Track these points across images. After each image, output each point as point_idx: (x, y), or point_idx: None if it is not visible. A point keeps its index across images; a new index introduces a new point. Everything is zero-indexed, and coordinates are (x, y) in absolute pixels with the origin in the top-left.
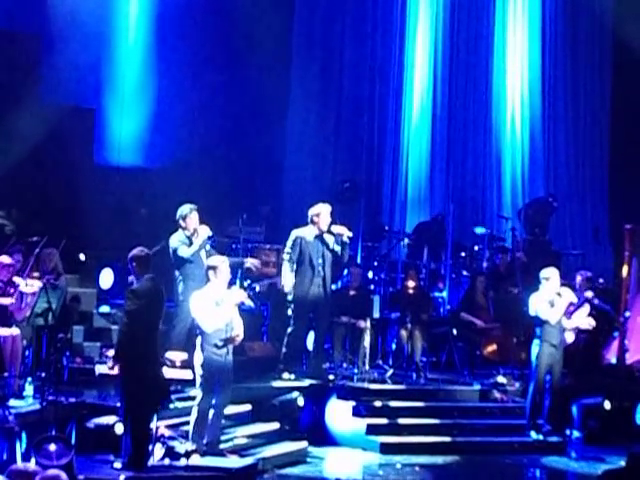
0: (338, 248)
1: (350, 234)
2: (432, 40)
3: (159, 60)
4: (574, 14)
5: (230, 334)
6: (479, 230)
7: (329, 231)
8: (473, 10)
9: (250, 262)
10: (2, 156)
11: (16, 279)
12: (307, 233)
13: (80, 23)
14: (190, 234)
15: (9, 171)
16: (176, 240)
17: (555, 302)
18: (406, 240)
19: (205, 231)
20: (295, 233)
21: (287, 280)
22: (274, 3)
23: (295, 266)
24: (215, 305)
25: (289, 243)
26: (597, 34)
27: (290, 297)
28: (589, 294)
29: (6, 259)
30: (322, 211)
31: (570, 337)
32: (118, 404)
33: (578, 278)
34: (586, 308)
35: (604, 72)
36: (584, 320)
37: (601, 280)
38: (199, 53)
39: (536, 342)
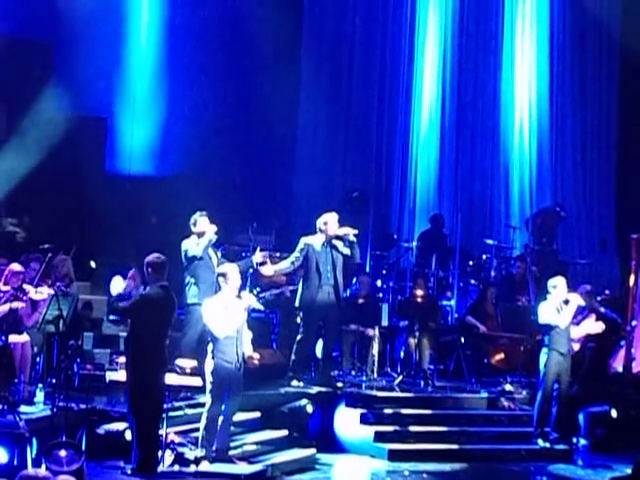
0: (348, 251)
1: (355, 231)
2: (440, 52)
3: (170, 69)
4: (582, 26)
5: (242, 348)
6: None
7: (337, 237)
8: (481, 22)
9: (259, 256)
10: (14, 164)
11: (26, 286)
12: (315, 241)
13: (92, 32)
14: (199, 235)
15: (21, 179)
16: (187, 243)
17: (562, 308)
18: (414, 243)
19: (212, 228)
20: (303, 240)
21: (269, 266)
22: (284, 17)
23: (292, 269)
24: (225, 310)
25: (297, 249)
26: (605, 46)
27: (297, 304)
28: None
29: (16, 267)
30: (329, 219)
31: (575, 346)
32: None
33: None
34: (592, 317)
35: (611, 82)
36: (594, 325)
37: (607, 291)
38: (210, 63)
39: (544, 350)
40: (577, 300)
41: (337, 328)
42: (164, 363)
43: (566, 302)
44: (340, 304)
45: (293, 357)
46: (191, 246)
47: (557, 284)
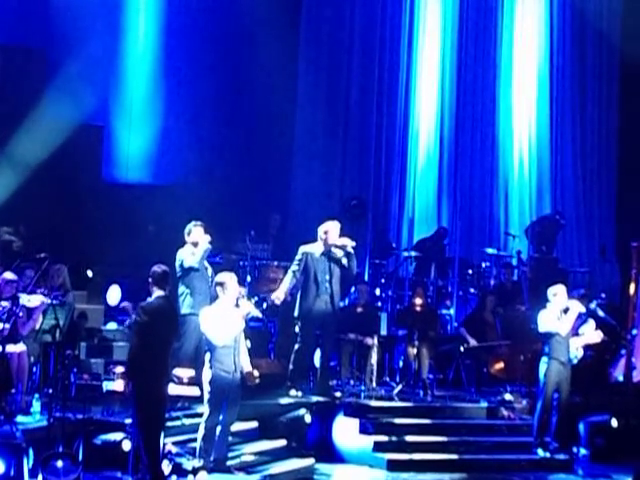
0: (345, 261)
1: (353, 243)
2: (440, 58)
3: (167, 77)
4: (582, 37)
5: (239, 358)
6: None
7: (335, 246)
8: (481, 29)
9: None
10: (11, 173)
11: (20, 294)
12: (314, 249)
13: (88, 40)
14: (194, 246)
15: (17, 188)
16: (182, 253)
17: (562, 316)
18: (413, 253)
19: (205, 238)
20: (302, 249)
21: (279, 291)
22: (282, 29)
23: (296, 281)
24: (223, 319)
25: (296, 258)
26: (605, 56)
27: (296, 313)
28: (593, 305)
29: (10, 275)
30: (331, 228)
31: (580, 352)
32: (127, 420)
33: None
34: (592, 323)
35: (611, 91)
36: (593, 334)
37: (603, 295)
38: (207, 71)
39: (544, 359)
40: (577, 307)
41: (334, 337)
42: (166, 374)
43: (565, 311)
44: (336, 313)
45: (291, 367)
46: (186, 257)
47: (557, 292)
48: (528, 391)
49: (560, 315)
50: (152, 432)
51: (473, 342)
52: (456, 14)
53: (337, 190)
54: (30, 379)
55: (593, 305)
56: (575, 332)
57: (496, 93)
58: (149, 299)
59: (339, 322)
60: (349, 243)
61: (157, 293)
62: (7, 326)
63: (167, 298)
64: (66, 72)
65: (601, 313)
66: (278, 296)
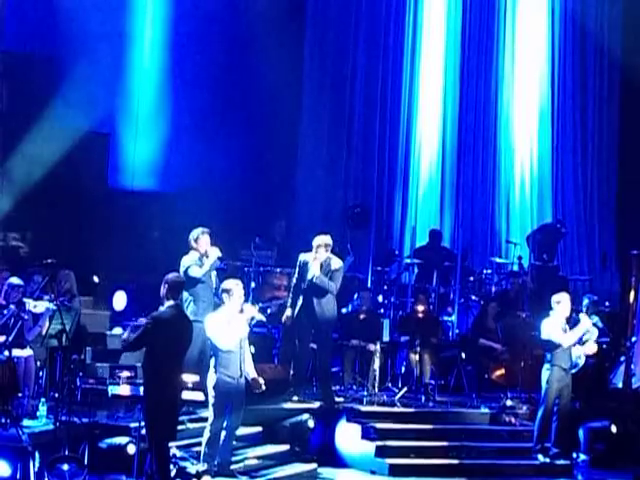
0: (325, 279)
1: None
2: (443, 69)
3: (174, 84)
4: (582, 47)
5: (244, 364)
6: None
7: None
8: (483, 40)
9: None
10: (17, 180)
11: (25, 299)
12: (308, 258)
13: (94, 47)
14: (201, 255)
15: (24, 194)
16: (188, 260)
17: (568, 330)
18: (416, 260)
19: (215, 252)
20: (300, 257)
21: (286, 313)
22: (286, 36)
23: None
24: (228, 324)
25: (296, 268)
26: (605, 66)
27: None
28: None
29: (16, 280)
30: (325, 242)
31: (582, 359)
32: (132, 424)
33: (585, 301)
34: (595, 333)
35: (612, 100)
36: (591, 345)
37: (607, 303)
38: (213, 79)
39: (546, 366)
40: (586, 323)
41: (327, 343)
42: (178, 381)
43: (568, 320)
44: (321, 322)
45: (292, 372)
46: (192, 266)
47: (561, 300)
48: (529, 397)
49: (564, 325)
50: (162, 438)
51: (499, 347)
52: (459, 25)
53: (341, 198)
54: (36, 383)
55: (595, 319)
56: (579, 340)
57: (498, 103)
58: (161, 308)
59: (335, 329)
60: (333, 265)
61: (168, 302)
62: (10, 339)
63: (178, 307)
64: (73, 80)
65: (600, 324)
66: (286, 320)
